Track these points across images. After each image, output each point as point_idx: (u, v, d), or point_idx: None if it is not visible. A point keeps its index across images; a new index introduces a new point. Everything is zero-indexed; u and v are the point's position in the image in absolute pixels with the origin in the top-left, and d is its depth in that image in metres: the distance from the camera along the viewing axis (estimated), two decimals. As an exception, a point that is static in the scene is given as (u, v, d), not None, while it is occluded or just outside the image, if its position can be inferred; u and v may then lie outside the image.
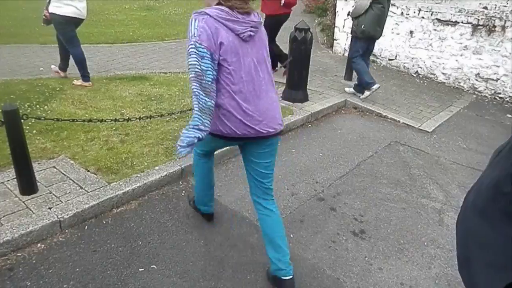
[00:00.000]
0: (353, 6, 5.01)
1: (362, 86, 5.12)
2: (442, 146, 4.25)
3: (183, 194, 2.98)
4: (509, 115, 5.35)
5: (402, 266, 2.47)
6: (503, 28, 5.60)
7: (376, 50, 7.06)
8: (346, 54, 6.91)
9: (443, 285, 2.35)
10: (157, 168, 3.09)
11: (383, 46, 6.98)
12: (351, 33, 5.06)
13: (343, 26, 7.43)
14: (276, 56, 5.46)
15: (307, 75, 4.85)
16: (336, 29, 7.62)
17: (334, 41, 7.71)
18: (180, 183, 3.11)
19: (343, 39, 7.49)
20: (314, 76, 5.84)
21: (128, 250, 2.39)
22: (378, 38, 4.96)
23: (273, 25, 5.39)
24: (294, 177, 3.37)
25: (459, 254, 1.02)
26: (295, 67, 4.66)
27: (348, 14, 7.24)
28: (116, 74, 5.32)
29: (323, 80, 5.89)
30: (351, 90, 5.36)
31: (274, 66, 5.42)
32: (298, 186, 3.23)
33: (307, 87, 4.99)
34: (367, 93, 5.04)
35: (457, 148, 4.24)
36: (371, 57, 7.18)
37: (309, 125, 4.49)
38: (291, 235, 2.64)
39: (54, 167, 3.00)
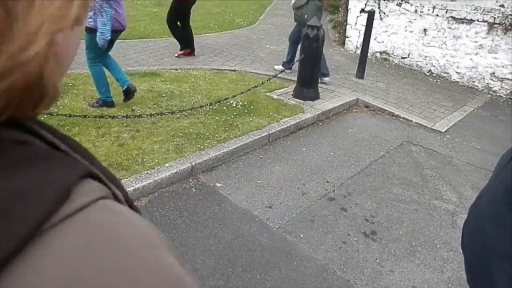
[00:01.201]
0: None
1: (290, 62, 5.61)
2: (456, 147, 4.18)
3: (193, 191, 2.97)
4: (524, 116, 5.25)
5: (414, 269, 2.43)
6: (520, 26, 5.48)
7: (388, 47, 6.99)
8: (358, 51, 6.83)
9: (456, 289, 2.31)
10: (167, 165, 3.09)
11: (396, 44, 6.89)
12: (295, 20, 5.52)
13: (355, 24, 7.35)
14: (187, 40, 6.04)
15: (319, 73, 4.80)
16: (348, 26, 7.54)
17: (346, 39, 7.63)
18: (190, 180, 3.11)
19: (355, 37, 7.41)
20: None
21: (138, 247, 2.39)
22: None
23: (182, 11, 5.85)
24: (304, 176, 3.34)
25: (473, 266, 0.98)
26: (306, 65, 4.61)
27: (360, 11, 7.16)
28: (127, 70, 5.33)
29: (335, 78, 5.83)
30: (280, 67, 5.73)
31: (191, 51, 6.17)
32: (309, 185, 3.20)
33: (319, 85, 4.95)
34: (281, 67, 5.56)
35: (471, 149, 4.17)
36: (384, 55, 7.10)
37: (320, 124, 4.45)
38: (301, 235, 2.61)
39: (65, 162, 3.01)
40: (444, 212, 3.03)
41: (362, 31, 5.96)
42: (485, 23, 5.80)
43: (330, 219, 2.82)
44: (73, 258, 0.25)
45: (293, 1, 5.48)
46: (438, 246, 2.65)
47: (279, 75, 4.89)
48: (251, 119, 4.06)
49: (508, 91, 5.82)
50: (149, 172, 2.97)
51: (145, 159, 3.13)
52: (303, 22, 5.18)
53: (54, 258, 0.24)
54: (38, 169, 0.27)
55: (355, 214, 2.91)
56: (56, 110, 3.81)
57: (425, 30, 6.49)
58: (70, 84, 4.54)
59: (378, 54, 7.16)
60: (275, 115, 4.24)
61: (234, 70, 5.70)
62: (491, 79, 5.94)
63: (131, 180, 2.85)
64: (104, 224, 0.27)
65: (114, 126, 3.62)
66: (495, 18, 5.69)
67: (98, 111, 3.90)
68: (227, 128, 3.78)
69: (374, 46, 6.98)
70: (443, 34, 6.29)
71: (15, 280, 0.23)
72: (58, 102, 3.93)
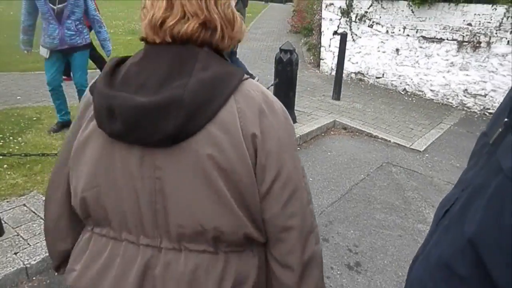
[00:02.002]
0: None
1: None
2: (435, 166, 4.13)
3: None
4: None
5: (402, 302, 2.28)
6: (488, 44, 5.60)
7: (363, 68, 7.04)
8: (333, 73, 6.86)
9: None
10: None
11: (370, 65, 6.96)
12: None
13: (329, 46, 7.41)
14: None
15: (294, 96, 4.74)
16: (322, 49, 7.60)
17: (321, 61, 7.68)
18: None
19: (329, 58, 7.46)
20: (302, 97, 5.74)
21: (102, 297, 2.16)
22: None
23: None
24: (283, 205, 3.19)
25: None
26: (281, 89, 4.54)
27: (333, 34, 7.24)
28: (97, 101, 5.15)
29: (311, 100, 5.80)
30: None
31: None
32: (288, 216, 3.04)
33: (295, 108, 4.88)
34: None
35: (450, 167, 4.12)
36: (359, 76, 7.15)
37: (298, 148, 4.32)
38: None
39: (24, 205, 2.78)
40: (429, 236, 2.92)
41: (336, 53, 5.99)
42: (455, 42, 5.92)
43: (312, 251, 2.66)
44: (248, 97, 0.80)
45: None
46: (425, 275, 2.52)
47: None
48: (226, 147, 3.92)
49: (482, 107, 5.90)
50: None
51: (112, 197, 2.93)
52: None
53: (241, 96, 0.79)
54: (233, 66, 0.83)
55: (338, 244, 2.76)
56: (17, 147, 3.59)
57: (397, 50, 6.58)
58: (34, 119, 4.32)
59: (353, 75, 7.21)
60: (252, 141, 4.11)
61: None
62: (465, 96, 6.02)
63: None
64: (255, 84, 0.84)
65: (80, 162, 3.41)
66: (463, 36, 5.81)
67: (63, 146, 3.69)
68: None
69: (348, 67, 7.03)
70: (415, 53, 6.38)
71: (232, 104, 0.77)
72: (20, 138, 3.72)
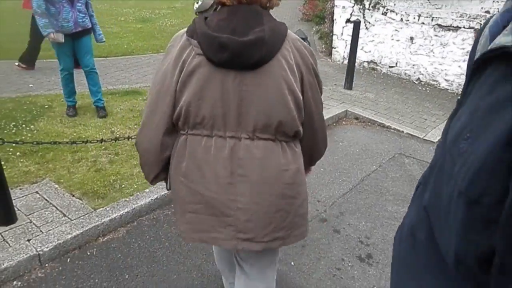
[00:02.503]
0: (197, 3, 5.41)
1: None
2: (449, 157, 4.04)
3: (174, 219, 2.77)
4: None
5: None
6: (507, 32, 5.43)
7: (376, 57, 6.91)
8: (345, 62, 6.75)
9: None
10: (147, 190, 2.89)
11: (383, 53, 6.82)
12: None
13: (341, 34, 7.28)
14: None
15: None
16: (334, 37, 7.47)
17: (333, 49, 7.56)
18: (172, 206, 2.91)
19: (342, 47, 7.34)
20: (313, 86, 5.66)
21: (113, 285, 2.18)
22: None
23: None
24: (294, 196, 3.16)
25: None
26: (293, 78, 4.47)
27: (346, 22, 7.10)
28: (108, 89, 5.15)
29: (323, 90, 5.71)
30: None
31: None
32: (299, 206, 3.02)
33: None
34: None
35: (465, 159, 4.03)
36: (372, 65, 7.03)
37: (309, 138, 4.29)
38: (292, 263, 2.43)
39: (37, 192, 2.80)
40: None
41: (349, 42, 5.87)
42: (471, 30, 5.76)
43: (323, 242, 2.64)
44: (293, 39, 1.29)
45: (196, 5, 5.44)
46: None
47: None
48: (237, 136, 3.90)
49: (498, 97, 5.75)
50: (127, 199, 2.77)
51: (123, 185, 2.93)
52: None
53: (289, 39, 1.28)
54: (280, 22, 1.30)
55: (349, 236, 2.73)
56: (29, 135, 3.61)
57: (411, 38, 6.43)
58: (46, 106, 4.34)
59: (365, 64, 7.08)
60: (262, 131, 4.07)
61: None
62: (480, 86, 5.87)
63: (108, 209, 2.64)
64: (292, 32, 1.31)
65: (91, 150, 3.42)
66: (480, 24, 5.63)
67: (74, 134, 3.70)
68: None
69: (361, 56, 6.91)
70: (430, 42, 6.23)
71: (286, 44, 1.26)
72: (32, 126, 3.74)
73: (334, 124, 4.74)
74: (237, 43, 1.19)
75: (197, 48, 1.25)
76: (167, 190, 1.52)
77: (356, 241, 2.68)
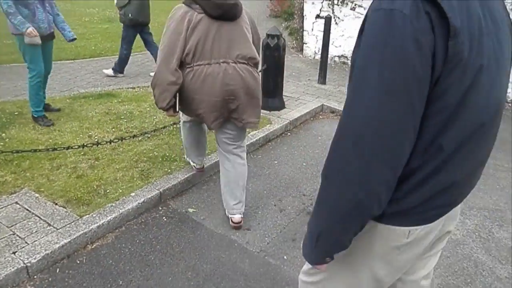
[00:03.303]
0: None
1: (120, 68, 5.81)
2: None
3: (164, 220, 2.75)
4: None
5: (403, 280, 2.35)
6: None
7: (346, 51, 7.07)
8: (317, 57, 6.87)
9: (447, 296, 2.25)
10: (133, 194, 2.85)
11: (353, 48, 6.98)
12: (120, 21, 5.57)
13: (312, 29, 7.39)
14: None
15: (282, 82, 4.73)
16: (305, 33, 7.57)
17: (304, 45, 7.66)
18: (160, 208, 2.89)
19: (312, 42, 7.45)
20: (288, 82, 5.72)
21: (107, 292, 2.14)
22: (147, 23, 5.58)
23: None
24: (280, 191, 3.21)
25: None
26: (269, 75, 4.52)
27: (316, 17, 7.21)
28: (80, 93, 5.00)
29: (297, 85, 5.80)
30: (109, 71, 5.86)
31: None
32: (285, 201, 3.07)
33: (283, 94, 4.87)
34: (110, 71, 5.85)
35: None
36: (342, 59, 7.18)
37: (289, 134, 4.36)
38: (285, 257, 2.47)
39: (16, 202, 2.70)
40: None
41: (319, 37, 5.98)
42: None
43: (312, 235, 2.70)
44: (244, 9, 2.42)
45: (115, 1, 5.48)
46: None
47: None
48: (218, 135, 3.89)
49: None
50: (113, 204, 2.72)
51: (108, 190, 2.87)
52: (128, 22, 5.38)
53: (243, 7, 2.41)
54: None
55: (336, 226, 2.80)
56: (1, 143, 3.46)
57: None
58: (16, 113, 4.16)
59: (336, 58, 7.23)
60: (243, 128, 4.09)
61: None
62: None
63: (94, 216, 2.58)
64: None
65: (70, 156, 3.32)
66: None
67: (50, 140, 3.58)
68: (194, 147, 3.59)
69: (332, 51, 7.03)
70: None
71: (243, 11, 2.41)
72: (3, 134, 3.58)
73: (312, 118, 4.83)
74: (227, 5, 2.21)
75: (199, 9, 2.21)
76: (177, 111, 2.43)
77: (344, 232, 2.76)
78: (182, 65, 2.25)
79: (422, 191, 0.93)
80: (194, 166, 3.17)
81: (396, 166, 0.86)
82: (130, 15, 5.29)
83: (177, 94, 2.34)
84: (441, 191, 0.95)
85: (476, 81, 0.84)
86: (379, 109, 0.80)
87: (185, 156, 3.24)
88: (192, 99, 2.30)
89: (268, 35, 4.40)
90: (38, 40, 3.52)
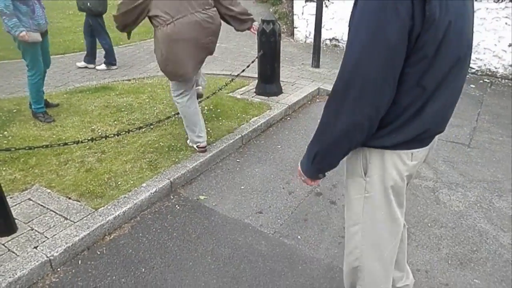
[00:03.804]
0: None
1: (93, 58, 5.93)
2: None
3: (177, 208, 2.81)
4: (472, 86, 5.57)
5: (413, 252, 2.46)
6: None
7: (337, 34, 7.10)
8: (308, 41, 6.89)
9: (456, 264, 2.36)
10: (144, 185, 2.89)
11: (344, 30, 7.02)
12: (79, 10, 5.72)
13: (302, 13, 7.39)
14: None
15: (279, 67, 4.76)
16: (295, 17, 7.57)
17: (295, 29, 7.66)
18: (172, 197, 2.94)
19: (303, 26, 7.46)
20: (282, 67, 5.72)
21: (132, 280, 2.20)
22: (104, 13, 5.74)
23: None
24: (286, 174, 3.28)
25: None
26: (266, 61, 4.54)
27: (306, 1, 7.21)
28: (75, 87, 4.96)
29: (292, 69, 5.84)
30: (82, 63, 5.95)
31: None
32: (293, 184, 3.15)
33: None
34: (83, 63, 5.98)
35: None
36: (334, 42, 7.22)
37: (288, 118, 4.42)
38: (299, 236, 2.56)
39: (29, 199, 2.72)
40: (426, 189, 3.11)
41: (310, 20, 5.98)
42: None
43: (323, 215, 2.79)
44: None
45: None
46: (429, 224, 2.71)
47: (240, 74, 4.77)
48: (220, 123, 3.93)
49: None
50: (126, 195, 2.76)
51: (119, 182, 2.91)
52: (88, 11, 5.52)
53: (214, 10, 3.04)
54: None
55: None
56: (5, 141, 3.45)
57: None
58: (14, 111, 4.13)
59: (328, 42, 7.27)
60: (244, 115, 4.14)
61: (190, 74, 5.50)
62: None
63: (109, 207, 2.62)
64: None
65: (75, 151, 3.33)
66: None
67: (54, 136, 3.58)
68: (198, 136, 3.62)
69: (323, 34, 7.05)
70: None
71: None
72: (5, 132, 3.56)
73: (309, 102, 4.89)
74: None
75: None
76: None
77: (352, 210, 2.85)
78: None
79: (416, 121, 1.19)
80: (196, 147, 3.32)
81: (378, 105, 1.10)
82: (89, 4, 5.46)
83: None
84: (430, 119, 1.20)
85: (447, 34, 1.07)
86: (364, 61, 1.05)
87: (188, 142, 3.37)
88: (174, 46, 2.88)
89: (263, 21, 4.41)
90: (39, 38, 3.50)
